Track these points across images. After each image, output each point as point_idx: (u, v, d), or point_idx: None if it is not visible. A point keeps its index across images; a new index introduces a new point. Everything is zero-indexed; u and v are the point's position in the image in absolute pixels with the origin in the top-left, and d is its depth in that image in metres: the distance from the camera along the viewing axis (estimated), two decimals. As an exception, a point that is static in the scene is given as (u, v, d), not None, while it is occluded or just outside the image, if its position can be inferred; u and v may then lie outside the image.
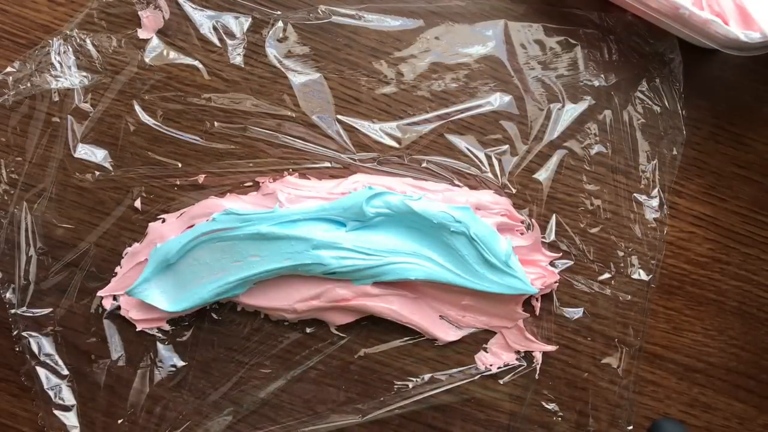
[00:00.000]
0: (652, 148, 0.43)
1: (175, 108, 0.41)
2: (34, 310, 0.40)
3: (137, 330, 0.40)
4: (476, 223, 0.39)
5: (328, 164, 0.41)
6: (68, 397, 0.40)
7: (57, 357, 0.40)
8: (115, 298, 0.40)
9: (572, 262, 0.43)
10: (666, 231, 0.43)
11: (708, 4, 0.40)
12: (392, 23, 0.42)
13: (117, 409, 0.41)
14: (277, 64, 0.41)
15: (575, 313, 0.43)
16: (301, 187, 0.40)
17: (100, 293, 0.40)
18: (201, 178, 0.41)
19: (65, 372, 0.40)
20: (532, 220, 0.42)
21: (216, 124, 0.41)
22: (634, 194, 0.43)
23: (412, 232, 0.40)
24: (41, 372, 0.40)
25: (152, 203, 0.41)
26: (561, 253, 0.43)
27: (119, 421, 0.41)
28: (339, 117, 0.41)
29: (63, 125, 0.40)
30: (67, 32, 0.40)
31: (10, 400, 0.40)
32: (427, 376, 0.42)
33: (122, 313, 0.40)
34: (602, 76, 0.43)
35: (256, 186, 0.41)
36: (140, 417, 0.41)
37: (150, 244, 0.40)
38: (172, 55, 0.41)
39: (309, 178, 0.41)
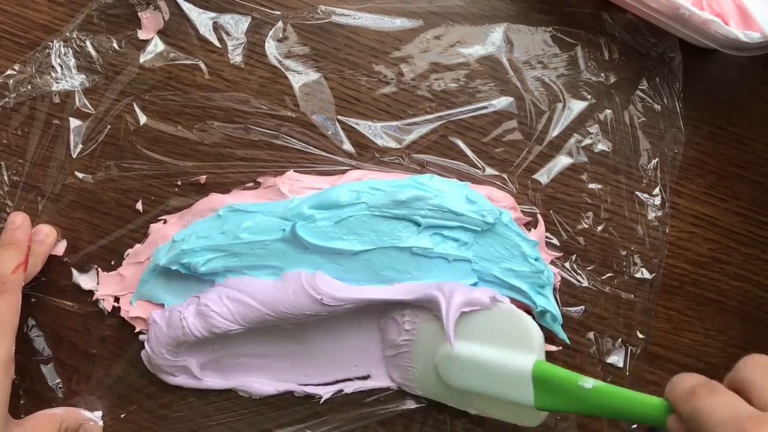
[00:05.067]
0: (653, 147, 0.43)
1: (175, 108, 0.41)
2: (34, 311, 0.40)
3: (136, 331, 0.40)
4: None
5: (328, 165, 0.41)
6: (68, 396, 0.40)
7: (57, 357, 0.40)
8: (116, 299, 0.40)
9: (574, 261, 0.43)
10: (668, 230, 0.43)
11: (708, 4, 0.40)
12: (392, 23, 0.42)
13: (117, 409, 0.41)
14: (277, 64, 0.41)
15: (577, 312, 0.43)
16: (302, 181, 0.40)
17: (99, 294, 0.40)
18: (203, 179, 0.41)
19: (65, 372, 0.40)
20: (539, 215, 0.42)
21: (216, 124, 0.41)
22: (636, 192, 0.43)
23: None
24: (42, 370, 0.40)
25: (153, 204, 0.41)
26: (562, 253, 0.43)
27: (122, 416, 0.41)
28: (339, 117, 0.41)
29: (64, 126, 0.40)
30: (67, 34, 0.40)
31: (11, 401, 0.40)
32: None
33: (122, 314, 0.40)
34: (602, 75, 0.43)
35: (257, 186, 0.41)
36: (141, 417, 0.41)
37: (151, 245, 0.40)
38: (172, 55, 0.41)
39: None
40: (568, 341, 0.42)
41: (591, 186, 0.43)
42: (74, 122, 0.40)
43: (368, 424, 0.42)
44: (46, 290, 0.40)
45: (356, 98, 0.42)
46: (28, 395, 0.40)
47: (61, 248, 0.40)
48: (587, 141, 0.43)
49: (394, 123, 0.42)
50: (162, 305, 0.40)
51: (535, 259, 0.40)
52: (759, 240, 0.44)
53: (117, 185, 0.41)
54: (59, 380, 0.41)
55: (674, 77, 0.43)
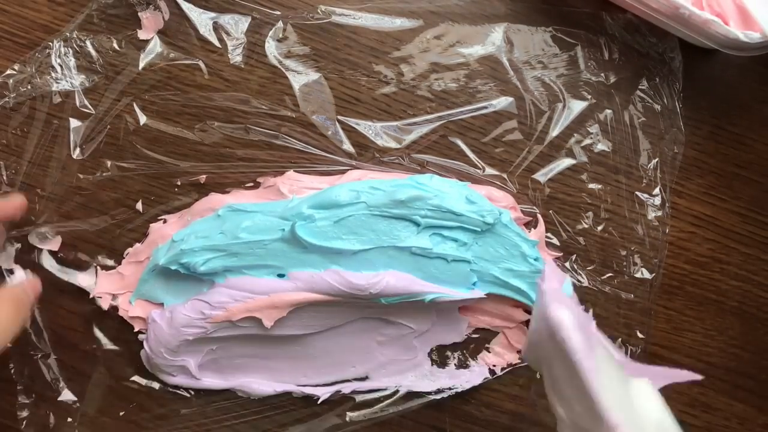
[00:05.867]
0: (653, 147, 0.43)
1: (175, 108, 0.41)
2: (34, 311, 0.40)
3: (135, 330, 0.40)
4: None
5: (328, 165, 0.41)
6: (68, 396, 0.40)
7: (57, 357, 0.40)
8: (114, 298, 0.40)
9: (574, 261, 0.43)
10: (668, 230, 0.43)
11: (708, 4, 0.40)
12: (392, 23, 0.42)
13: (117, 408, 0.41)
14: (277, 64, 0.41)
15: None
16: (302, 181, 0.40)
17: (97, 291, 0.40)
18: (202, 179, 0.41)
19: (65, 372, 0.40)
20: (539, 215, 0.42)
21: (216, 124, 0.41)
22: (636, 192, 0.43)
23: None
24: (42, 369, 0.40)
25: (153, 204, 0.41)
26: (562, 252, 0.43)
27: (121, 414, 0.41)
28: (339, 117, 0.41)
29: (64, 126, 0.40)
30: (68, 34, 0.40)
31: (10, 400, 0.40)
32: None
33: (121, 313, 0.40)
34: (602, 75, 0.43)
35: (257, 186, 0.41)
36: (140, 417, 0.41)
37: (151, 245, 0.40)
38: (172, 55, 0.41)
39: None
40: None
41: (591, 186, 0.43)
42: (74, 122, 0.40)
43: (367, 425, 0.42)
44: (46, 290, 0.40)
45: (356, 98, 0.42)
46: (28, 394, 0.40)
47: (56, 243, 0.40)
48: (587, 141, 0.43)
49: (394, 123, 0.42)
50: (161, 305, 0.40)
51: (535, 259, 0.40)
52: (759, 240, 0.44)
53: (117, 185, 0.40)
54: (58, 376, 0.40)
55: (674, 77, 0.43)
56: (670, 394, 0.43)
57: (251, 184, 0.41)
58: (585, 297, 0.43)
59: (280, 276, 0.38)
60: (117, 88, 0.40)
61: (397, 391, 0.42)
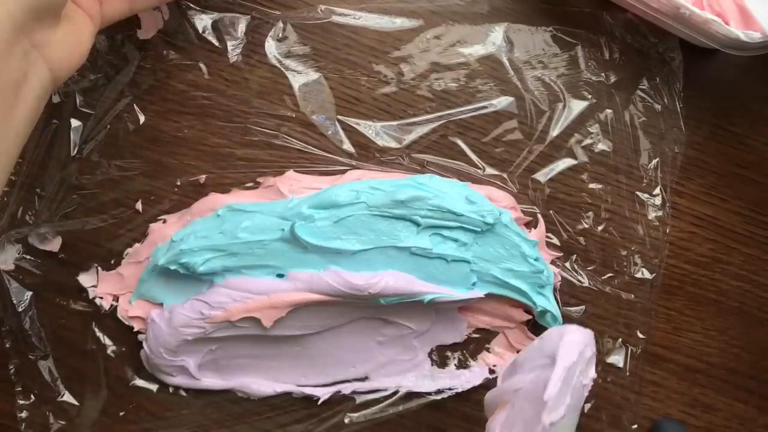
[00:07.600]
0: (653, 147, 0.43)
1: (175, 108, 0.41)
2: (34, 310, 0.40)
3: (134, 330, 0.40)
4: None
5: (328, 165, 0.41)
6: (67, 397, 0.40)
7: (56, 357, 0.40)
8: (115, 298, 0.40)
9: (574, 261, 0.43)
10: (668, 230, 0.43)
11: (708, 4, 0.40)
12: (392, 23, 0.42)
13: (116, 408, 0.41)
14: (277, 64, 0.41)
15: (577, 312, 0.42)
16: (302, 181, 0.40)
17: (99, 292, 0.40)
18: (202, 179, 0.40)
19: (64, 371, 0.40)
20: (539, 215, 0.42)
21: (216, 124, 0.41)
22: (637, 192, 0.43)
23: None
24: (40, 369, 0.40)
25: (152, 204, 0.41)
26: (563, 252, 0.43)
27: (121, 414, 0.41)
28: (339, 117, 0.41)
29: (63, 126, 0.40)
30: (67, 33, 0.40)
31: (9, 400, 0.40)
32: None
33: (121, 313, 0.40)
34: (603, 75, 0.43)
35: (257, 186, 0.41)
36: (141, 417, 0.41)
37: (151, 245, 0.40)
38: (172, 55, 0.41)
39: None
40: None
41: (591, 186, 0.43)
42: (74, 122, 0.40)
43: (367, 425, 0.42)
44: (46, 290, 0.40)
45: (356, 98, 0.42)
46: (27, 395, 0.40)
47: (56, 244, 0.40)
48: (588, 141, 0.43)
49: (394, 123, 0.42)
50: (161, 305, 0.40)
51: (535, 259, 0.40)
52: (760, 240, 0.44)
53: (117, 185, 0.40)
54: (58, 377, 0.40)
55: (675, 77, 0.43)
56: (671, 394, 0.43)
57: (251, 184, 0.41)
58: (585, 297, 0.43)
59: (280, 276, 0.38)
60: (116, 87, 0.40)
61: (397, 391, 0.42)
